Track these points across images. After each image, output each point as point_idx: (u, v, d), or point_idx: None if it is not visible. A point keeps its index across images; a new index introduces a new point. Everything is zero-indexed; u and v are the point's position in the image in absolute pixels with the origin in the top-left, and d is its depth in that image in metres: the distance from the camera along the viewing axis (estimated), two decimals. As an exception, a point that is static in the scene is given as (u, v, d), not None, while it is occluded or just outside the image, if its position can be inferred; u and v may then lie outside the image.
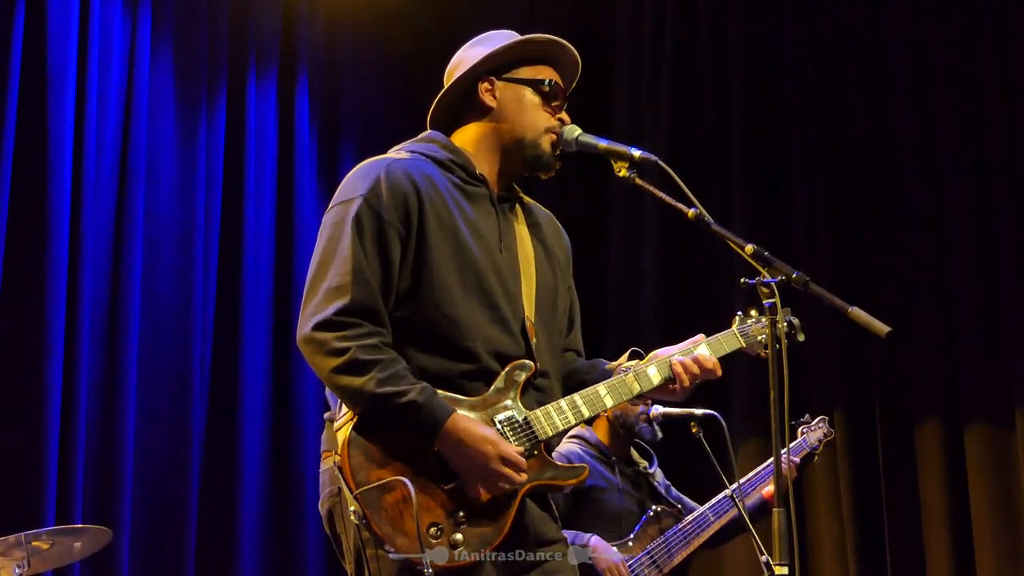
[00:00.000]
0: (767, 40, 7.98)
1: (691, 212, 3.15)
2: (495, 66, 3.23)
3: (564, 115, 3.28)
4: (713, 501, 5.30)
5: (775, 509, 2.93)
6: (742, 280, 3.06)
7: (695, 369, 3.24)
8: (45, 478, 5.91)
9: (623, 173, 3.22)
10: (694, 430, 5.02)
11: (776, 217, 7.73)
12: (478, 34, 3.39)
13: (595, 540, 5.07)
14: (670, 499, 5.43)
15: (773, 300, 2.97)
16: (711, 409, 5.09)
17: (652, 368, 3.23)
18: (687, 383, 3.23)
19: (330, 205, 3.06)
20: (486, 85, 3.23)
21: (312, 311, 2.90)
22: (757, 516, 5.35)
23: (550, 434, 3.02)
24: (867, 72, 7.64)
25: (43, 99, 6.23)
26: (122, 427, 6.33)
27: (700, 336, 3.35)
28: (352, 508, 2.78)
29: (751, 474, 5.34)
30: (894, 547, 7.12)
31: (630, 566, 5.11)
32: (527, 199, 3.34)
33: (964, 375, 7.06)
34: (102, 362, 6.38)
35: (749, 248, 3.05)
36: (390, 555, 2.78)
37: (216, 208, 7.07)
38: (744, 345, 3.38)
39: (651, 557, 5.19)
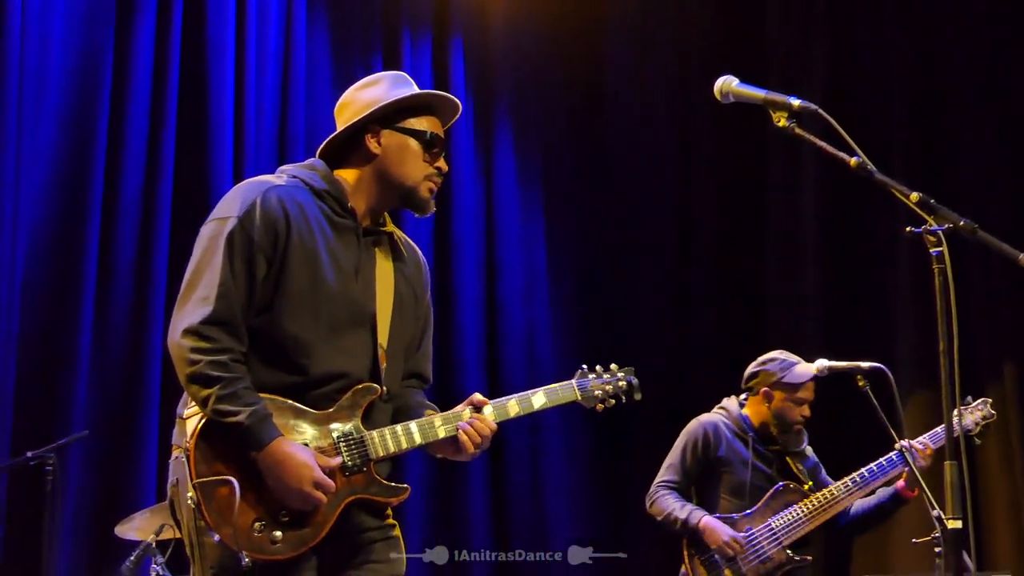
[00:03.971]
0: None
1: (853, 160, 3.07)
2: (382, 115, 3.46)
3: (442, 163, 3.53)
4: (850, 476, 5.26)
5: (947, 462, 2.87)
6: (908, 229, 3.00)
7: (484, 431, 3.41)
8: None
9: (782, 123, 3.16)
10: (860, 384, 4.94)
11: (940, 167, 7.56)
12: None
13: (705, 521, 5.17)
14: (809, 477, 5.39)
15: (940, 249, 2.91)
16: (877, 362, 5.02)
17: (488, 408, 3.44)
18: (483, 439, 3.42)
19: (208, 218, 3.31)
20: (371, 134, 3.47)
21: (180, 317, 3.18)
22: (892, 507, 5.32)
23: (380, 454, 3.29)
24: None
25: (203, 70, 6.39)
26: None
27: (540, 389, 3.54)
28: (189, 495, 3.09)
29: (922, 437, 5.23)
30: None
31: (750, 537, 5.16)
32: (398, 233, 3.59)
33: None
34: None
35: (914, 196, 2.98)
36: (216, 541, 3.09)
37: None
38: (580, 399, 3.63)
39: (771, 531, 5.20)
